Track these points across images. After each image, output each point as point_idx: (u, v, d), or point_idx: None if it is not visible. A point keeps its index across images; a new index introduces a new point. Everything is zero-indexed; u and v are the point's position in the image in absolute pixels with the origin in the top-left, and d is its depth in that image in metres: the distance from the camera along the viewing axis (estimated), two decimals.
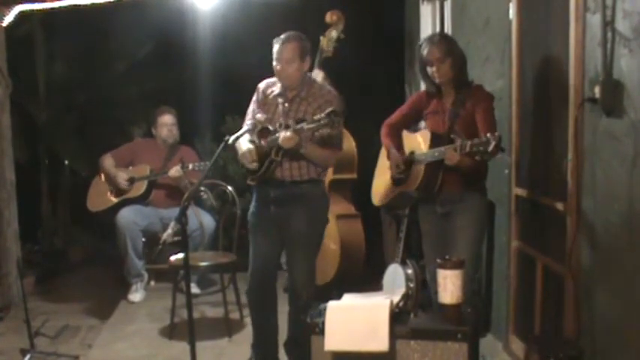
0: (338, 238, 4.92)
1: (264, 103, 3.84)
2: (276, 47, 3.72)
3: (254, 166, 3.73)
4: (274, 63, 3.73)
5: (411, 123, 3.92)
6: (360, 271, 5.00)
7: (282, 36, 3.72)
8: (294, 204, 3.75)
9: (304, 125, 3.54)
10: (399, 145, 3.79)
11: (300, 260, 3.81)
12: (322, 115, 3.52)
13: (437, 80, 3.61)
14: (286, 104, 3.77)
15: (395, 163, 3.75)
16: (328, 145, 3.70)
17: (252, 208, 3.92)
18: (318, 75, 4.93)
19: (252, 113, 3.88)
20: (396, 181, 3.78)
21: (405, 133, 3.84)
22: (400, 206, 4.13)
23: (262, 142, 3.71)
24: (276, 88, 3.82)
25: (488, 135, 3.19)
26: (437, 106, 3.68)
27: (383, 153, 3.96)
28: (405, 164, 3.70)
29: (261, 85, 3.90)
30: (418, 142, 3.69)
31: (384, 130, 3.87)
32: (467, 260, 3.30)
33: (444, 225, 3.68)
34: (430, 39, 3.69)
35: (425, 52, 3.61)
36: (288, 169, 3.74)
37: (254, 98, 3.92)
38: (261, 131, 3.74)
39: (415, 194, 3.72)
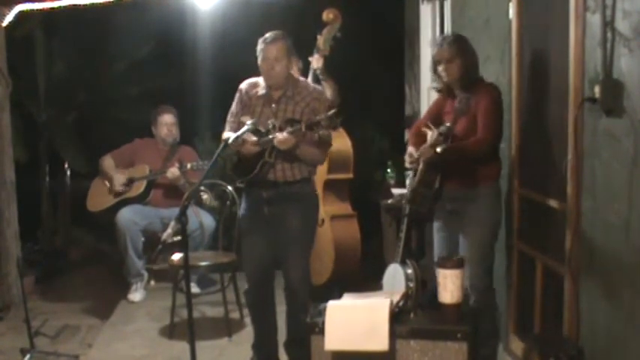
0: (332, 238, 4.91)
1: (248, 104, 3.82)
2: (262, 47, 3.72)
3: (253, 149, 3.65)
4: (261, 63, 3.73)
5: (433, 124, 3.91)
6: (356, 272, 4.99)
7: (268, 36, 3.73)
8: (288, 203, 3.77)
9: (301, 126, 3.53)
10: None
11: (296, 258, 3.82)
12: (323, 116, 3.53)
13: (445, 79, 3.64)
14: (273, 105, 3.77)
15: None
16: (321, 144, 3.72)
17: (243, 210, 3.92)
18: (318, 61, 4.89)
19: (236, 115, 3.85)
20: None
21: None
22: (422, 206, 4.06)
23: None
24: (260, 89, 3.81)
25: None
26: (450, 106, 3.71)
27: None
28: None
29: (243, 86, 3.88)
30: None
31: (408, 137, 3.97)
32: (471, 259, 3.37)
33: (453, 222, 3.71)
34: (443, 38, 3.74)
35: (436, 50, 3.66)
36: (280, 170, 3.74)
37: (236, 99, 3.89)
38: (252, 132, 3.68)
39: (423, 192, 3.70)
